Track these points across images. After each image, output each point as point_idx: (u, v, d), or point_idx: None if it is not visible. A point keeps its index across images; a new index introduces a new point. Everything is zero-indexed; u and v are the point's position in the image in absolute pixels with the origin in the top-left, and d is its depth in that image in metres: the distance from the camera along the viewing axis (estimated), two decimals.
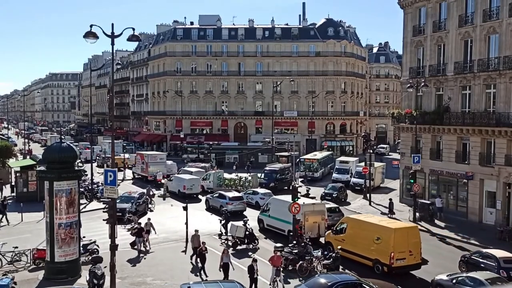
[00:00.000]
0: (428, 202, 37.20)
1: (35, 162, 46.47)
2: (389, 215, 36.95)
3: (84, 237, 25.65)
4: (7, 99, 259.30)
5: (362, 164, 48.62)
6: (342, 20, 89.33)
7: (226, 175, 50.15)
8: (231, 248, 27.76)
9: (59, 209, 22.22)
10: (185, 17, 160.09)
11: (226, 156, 68.79)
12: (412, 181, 36.31)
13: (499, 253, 23.72)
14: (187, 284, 18.55)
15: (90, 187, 43.39)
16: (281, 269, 21.97)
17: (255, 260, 21.59)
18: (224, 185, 46.64)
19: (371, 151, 47.83)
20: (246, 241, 28.46)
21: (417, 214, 35.73)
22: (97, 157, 67.80)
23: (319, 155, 60.55)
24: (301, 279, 22.53)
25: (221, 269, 22.10)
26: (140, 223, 28.15)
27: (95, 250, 25.38)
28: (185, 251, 27.80)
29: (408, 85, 37.79)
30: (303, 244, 25.45)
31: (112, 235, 19.93)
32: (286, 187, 47.01)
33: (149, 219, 29.51)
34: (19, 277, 21.96)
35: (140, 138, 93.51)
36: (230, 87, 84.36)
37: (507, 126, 32.37)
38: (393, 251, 23.26)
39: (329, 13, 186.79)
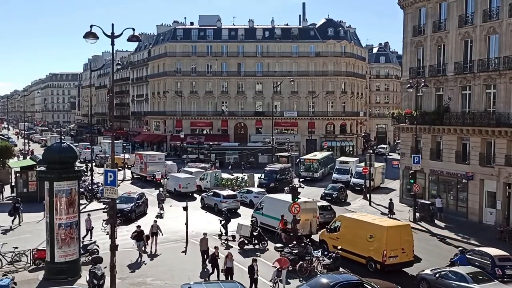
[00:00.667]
0: (428, 202, 37.20)
1: (35, 163, 46.49)
2: (389, 215, 36.98)
3: (84, 237, 25.68)
4: (7, 100, 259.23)
5: (362, 164, 48.62)
6: (342, 20, 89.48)
7: (224, 175, 50.46)
8: (238, 248, 27.90)
9: (59, 209, 22.22)
10: (185, 18, 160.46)
11: (226, 156, 68.81)
12: (412, 181, 36.34)
13: (494, 251, 23.92)
14: (188, 284, 18.55)
15: (90, 187, 43.39)
16: (286, 270, 21.67)
17: (255, 260, 21.57)
18: (221, 185, 46.81)
19: (371, 151, 47.85)
20: (254, 241, 28.52)
21: (417, 214, 35.75)
22: (96, 157, 67.87)
23: (319, 155, 60.56)
24: (301, 279, 22.54)
25: (224, 274, 21.72)
26: (139, 226, 27.18)
27: (95, 251, 25.39)
28: (185, 251, 27.81)
29: (408, 85, 37.79)
30: (303, 244, 25.47)
31: (112, 236, 19.94)
32: (286, 187, 46.96)
33: (155, 221, 28.99)
34: (19, 277, 21.96)
35: (140, 138, 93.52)
36: (230, 87, 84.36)
37: (507, 126, 32.37)
38: (386, 248, 23.63)
39: (329, 13, 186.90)
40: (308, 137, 78.20)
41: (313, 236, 30.35)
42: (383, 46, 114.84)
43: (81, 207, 28.38)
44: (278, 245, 26.89)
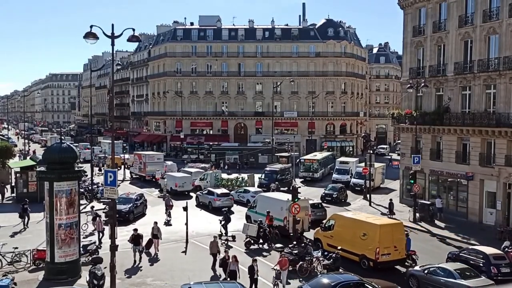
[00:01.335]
0: (428, 202, 37.20)
1: (35, 163, 46.49)
2: (389, 216, 37.01)
3: (84, 237, 25.68)
4: (7, 100, 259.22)
5: (362, 164, 48.62)
6: (342, 20, 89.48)
7: (224, 175, 50.58)
8: (244, 248, 27.97)
9: (59, 209, 22.23)
10: (185, 18, 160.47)
11: (226, 156, 68.81)
12: (412, 181, 36.33)
13: (489, 250, 24.16)
14: (188, 285, 18.56)
15: (90, 187, 43.40)
16: (286, 271, 21.64)
17: (255, 260, 21.56)
18: (221, 185, 46.90)
19: (371, 151, 47.85)
20: (259, 240, 28.68)
21: (417, 214, 35.75)
22: (95, 157, 68.01)
23: (319, 155, 60.56)
24: (301, 279, 22.54)
25: (228, 277, 21.46)
26: (136, 230, 26.39)
27: (95, 251, 25.38)
28: (185, 252, 27.81)
29: (408, 85, 37.80)
30: (303, 244, 25.49)
31: (112, 236, 19.95)
32: (286, 188, 47.02)
33: (155, 223, 27.90)
34: (19, 277, 21.98)
35: (140, 138, 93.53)
36: (230, 87, 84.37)
37: (507, 126, 32.37)
38: (379, 246, 24.01)
39: (329, 13, 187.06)
40: (308, 137, 78.20)
41: (306, 234, 30.58)
42: (383, 47, 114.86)
43: (81, 207, 28.38)
44: (278, 245, 26.91)
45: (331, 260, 23.41)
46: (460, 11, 36.64)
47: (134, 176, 57.12)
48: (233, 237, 30.07)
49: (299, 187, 46.38)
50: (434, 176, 39.52)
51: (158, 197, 45.87)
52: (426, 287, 21.62)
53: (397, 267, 25.03)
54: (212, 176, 48.69)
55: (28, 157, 61.70)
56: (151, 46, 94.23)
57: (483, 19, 34.69)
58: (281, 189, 44.86)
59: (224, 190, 41.97)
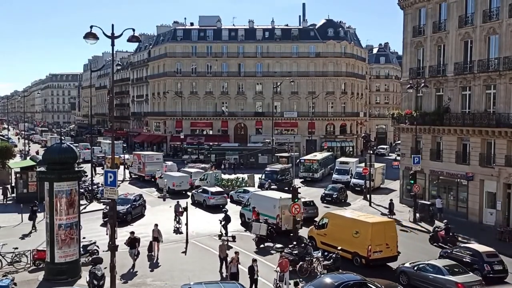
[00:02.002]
0: (428, 203, 37.20)
1: (35, 163, 46.49)
2: (390, 216, 37.04)
3: (84, 238, 25.65)
4: (7, 100, 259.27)
5: (362, 165, 48.61)
6: (342, 20, 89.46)
7: (224, 176, 50.62)
8: (255, 247, 28.23)
9: (59, 210, 22.22)
10: (185, 18, 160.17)
11: (226, 157, 68.79)
12: (412, 181, 36.35)
13: (481, 248, 24.66)
14: (188, 285, 18.58)
15: (90, 188, 43.39)
16: (287, 273, 21.51)
17: (255, 261, 21.54)
18: (221, 186, 46.97)
19: (371, 151, 47.83)
20: (267, 239, 29.15)
21: (417, 215, 35.75)
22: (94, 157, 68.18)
23: (319, 155, 60.56)
24: (301, 279, 22.52)
25: (229, 279, 21.32)
26: (133, 232, 25.73)
27: (95, 251, 25.38)
28: (185, 252, 27.81)
29: (408, 85, 37.81)
30: (303, 245, 25.49)
31: (112, 236, 19.96)
32: (286, 188, 47.01)
33: (156, 225, 27.28)
34: (19, 278, 21.99)
35: (140, 139, 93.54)
36: (230, 87, 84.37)
37: (507, 126, 32.37)
38: (371, 244, 24.47)
39: (329, 13, 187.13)
40: (308, 138, 78.19)
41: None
42: (383, 47, 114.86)
43: (81, 207, 28.37)
44: (278, 245, 26.92)
45: (331, 260, 23.40)
46: (460, 11, 36.64)
47: (133, 176, 57.35)
48: (233, 237, 30.09)
49: (299, 187, 46.46)
50: (434, 177, 39.52)
51: (158, 197, 45.91)
52: (416, 283, 22.10)
53: (389, 264, 25.35)
54: (212, 177, 48.77)
55: (28, 157, 61.75)
56: (151, 47, 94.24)
57: (483, 19, 34.69)
58: (284, 188, 45.01)
59: (218, 189, 42.83)
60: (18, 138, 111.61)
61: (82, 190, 38.11)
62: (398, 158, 69.05)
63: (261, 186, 48.00)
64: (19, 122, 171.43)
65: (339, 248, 24.67)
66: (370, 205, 42.09)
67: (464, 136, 36.48)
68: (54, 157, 22.98)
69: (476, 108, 35.34)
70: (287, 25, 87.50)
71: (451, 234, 29.59)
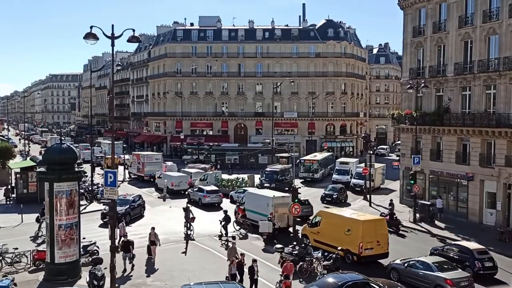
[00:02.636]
0: (428, 203, 37.19)
1: (35, 163, 46.50)
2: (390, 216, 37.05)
3: (84, 238, 25.62)
4: (7, 100, 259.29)
5: (362, 165, 48.61)
6: (342, 21, 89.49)
7: (224, 176, 50.69)
8: (263, 245, 28.73)
9: (59, 210, 22.21)
10: (185, 18, 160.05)
11: (226, 157, 68.79)
12: (412, 182, 36.34)
13: (472, 245, 25.41)
14: (188, 285, 18.59)
15: (90, 188, 43.39)
16: (292, 276, 21.44)
17: (255, 261, 21.53)
18: (221, 186, 47.03)
19: (371, 152, 47.82)
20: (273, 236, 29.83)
21: (417, 215, 35.74)
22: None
23: (319, 156, 60.55)
24: (301, 280, 22.53)
25: (229, 279, 21.26)
26: (126, 235, 25.07)
27: (95, 251, 25.36)
28: (185, 252, 27.80)
29: (408, 86, 37.80)
30: (303, 245, 25.50)
31: (112, 236, 19.96)
32: (286, 188, 47.01)
33: (153, 228, 26.41)
34: (19, 278, 21.98)
35: (140, 139, 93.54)
36: (230, 88, 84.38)
37: (507, 127, 32.36)
38: (362, 241, 24.96)
39: (329, 14, 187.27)
40: (308, 138, 78.21)
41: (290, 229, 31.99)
42: (383, 47, 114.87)
43: (81, 208, 28.35)
44: (278, 245, 26.89)
45: (331, 260, 23.41)
46: (460, 12, 36.64)
47: (132, 176, 57.52)
48: (233, 237, 30.06)
49: (299, 187, 46.53)
50: (434, 177, 39.51)
51: (158, 197, 45.94)
52: (406, 280, 22.46)
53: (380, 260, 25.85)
54: (212, 177, 48.86)
55: (28, 158, 61.77)
56: (151, 47, 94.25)
57: (483, 20, 34.69)
58: (285, 189, 45.20)
59: (214, 188, 43.65)
60: (19, 139, 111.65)
61: (82, 191, 38.07)
62: (398, 158, 69.35)
63: (261, 186, 48.00)
64: (19, 123, 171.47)
65: (339, 248, 24.69)
66: (370, 205, 42.09)
67: (464, 136, 36.47)
68: (54, 157, 22.98)
69: (476, 108, 35.34)
70: (287, 26, 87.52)
71: (394, 218, 33.22)
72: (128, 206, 35.27)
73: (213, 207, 40.17)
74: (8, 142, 63.80)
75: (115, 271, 19.78)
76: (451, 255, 24.60)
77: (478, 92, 35.25)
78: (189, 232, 30.84)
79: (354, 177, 50.67)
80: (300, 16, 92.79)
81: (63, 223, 22.26)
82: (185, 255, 27.34)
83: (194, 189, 43.93)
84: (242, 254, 22.58)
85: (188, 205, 32.77)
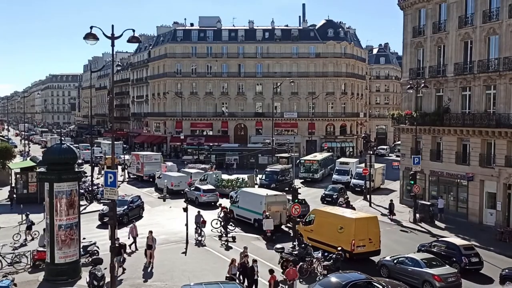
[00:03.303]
0: (429, 203, 37.19)
1: (35, 164, 46.47)
2: (390, 216, 37.09)
3: (84, 238, 25.62)
4: (7, 101, 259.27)
5: (362, 165, 48.61)
6: (342, 21, 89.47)
7: (224, 176, 50.67)
8: (264, 244, 28.98)
9: (59, 210, 22.21)
10: (185, 19, 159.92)
11: (226, 157, 68.78)
12: (412, 182, 36.34)
13: (459, 241, 26.28)
14: (188, 285, 18.61)
15: (90, 188, 43.38)
16: (296, 281, 21.25)
17: (255, 261, 21.53)
18: (221, 186, 47.04)
19: (371, 152, 47.81)
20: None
21: (417, 215, 35.73)
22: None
23: (319, 156, 60.54)
24: (301, 280, 22.51)
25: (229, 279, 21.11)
26: (118, 239, 23.96)
27: (95, 252, 25.36)
28: (185, 253, 27.79)
29: (408, 86, 37.80)
30: (303, 245, 25.49)
31: (112, 237, 19.95)
32: (286, 188, 47.03)
33: (150, 232, 25.99)
34: (19, 278, 21.96)
35: (140, 139, 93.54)
36: (230, 88, 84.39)
37: (507, 127, 32.36)
38: (354, 239, 25.39)
39: (329, 14, 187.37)
40: (308, 138, 78.20)
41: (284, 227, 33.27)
42: (383, 47, 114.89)
43: (81, 208, 28.33)
44: (278, 245, 26.89)
45: (331, 261, 23.41)
46: (460, 12, 36.64)
47: (131, 177, 57.59)
48: (233, 238, 30.10)
49: (299, 187, 46.58)
50: (434, 177, 39.50)
51: (158, 197, 45.94)
52: (396, 276, 22.88)
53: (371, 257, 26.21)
54: (213, 177, 48.85)
55: (28, 158, 61.73)
56: (151, 47, 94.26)
57: (483, 20, 34.69)
58: (285, 189, 45.46)
59: (210, 187, 44.10)
60: (20, 140, 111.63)
61: (82, 191, 38.02)
62: (389, 157, 69.43)
63: (261, 187, 47.96)
64: (19, 123, 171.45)
65: (339, 248, 24.69)
66: (370, 205, 42.08)
67: (464, 136, 36.47)
68: (54, 157, 23.00)
69: (476, 109, 35.34)
70: (287, 26, 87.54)
71: (350, 206, 35.64)
72: (126, 207, 34.88)
73: (210, 206, 40.53)
74: (8, 143, 63.76)
75: (115, 272, 19.77)
76: (438, 251, 25.31)
77: (478, 92, 35.25)
78: (200, 238, 29.87)
79: (354, 178, 50.67)
80: (300, 16, 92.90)
81: (63, 224, 22.26)
82: (185, 255, 27.32)
83: (191, 188, 44.35)
84: (246, 256, 22.11)
85: (199, 210, 32.80)
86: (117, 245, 23.26)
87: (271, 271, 20.42)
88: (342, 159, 60.18)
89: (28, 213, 31.78)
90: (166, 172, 50.90)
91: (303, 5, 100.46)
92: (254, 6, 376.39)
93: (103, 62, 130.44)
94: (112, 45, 19.65)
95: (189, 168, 55.84)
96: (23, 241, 29.11)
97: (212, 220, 33.12)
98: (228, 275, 21.39)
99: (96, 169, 57.37)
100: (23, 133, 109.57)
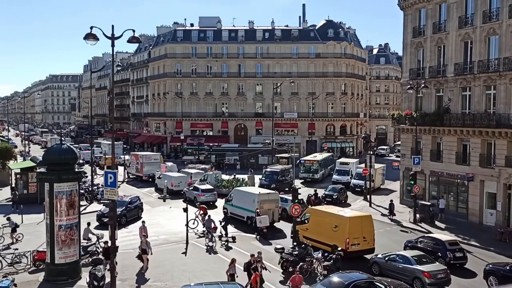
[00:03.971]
0: (429, 203, 37.19)
1: (35, 164, 46.47)
2: (390, 216, 37.08)
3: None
4: (7, 101, 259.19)
5: (362, 165, 48.60)
6: (342, 21, 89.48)
7: (224, 176, 50.71)
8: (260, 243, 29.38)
9: (59, 211, 22.21)
10: (185, 19, 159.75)
11: (226, 158, 68.79)
12: (412, 182, 36.33)
13: (444, 237, 27.07)
14: (188, 285, 18.62)
15: (90, 188, 43.38)
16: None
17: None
18: (221, 186, 47.06)
19: (371, 152, 47.81)
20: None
21: (417, 215, 35.73)
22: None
23: (319, 156, 60.53)
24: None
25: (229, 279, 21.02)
26: (106, 242, 23.26)
27: (96, 252, 25.35)
28: (185, 253, 27.79)
29: (408, 86, 37.80)
30: (303, 245, 25.48)
31: (113, 237, 19.94)
32: (286, 189, 47.04)
33: (145, 236, 25.55)
34: (19, 279, 21.95)
35: (140, 139, 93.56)
36: (230, 88, 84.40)
37: (507, 127, 32.36)
38: (348, 237, 25.72)
39: (329, 14, 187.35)
40: (308, 138, 78.19)
41: (276, 225, 33.86)
42: (383, 47, 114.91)
43: (81, 208, 28.32)
44: (278, 246, 26.89)
45: (331, 261, 23.39)
46: (460, 12, 36.64)
47: (131, 177, 57.66)
48: (233, 238, 30.09)
49: (299, 188, 46.59)
50: (434, 177, 39.51)
51: (158, 198, 45.94)
52: (387, 273, 23.27)
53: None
54: (213, 177, 48.90)
55: (28, 158, 61.72)
56: (151, 47, 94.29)
57: (483, 20, 34.69)
58: (285, 189, 45.79)
59: (209, 186, 44.42)
60: (21, 140, 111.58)
61: (82, 191, 37.99)
62: (389, 157, 69.45)
63: (261, 187, 47.93)
64: (19, 123, 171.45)
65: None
66: (370, 205, 42.08)
67: (464, 136, 36.47)
68: (54, 158, 23.00)
69: (476, 109, 35.34)
70: (287, 26, 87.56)
71: (319, 198, 37.97)
72: (124, 207, 34.48)
73: (208, 205, 39.70)
74: (8, 143, 63.77)
75: (116, 272, 19.76)
76: (424, 246, 25.99)
77: (478, 92, 35.25)
78: (211, 244, 28.76)
79: (354, 178, 50.66)
80: (300, 17, 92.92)
81: (63, 224, 22.26)
82: (185, 255, 27.32)
83: (190, 188, 44.53)
84: (252, 255, 21.97)
85: (209, 214, 31.97)
86: (105, 247, 22.79)
87: (256, 269, 20.64)
88: (342, 160, 60.18)
89: (9, 216, 30.95)
90: (166, 173, 50.94)
91: (303, 5, 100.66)
92: (254, 6, 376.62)
93: (103, 62, 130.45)
94: (112, 45, 19.66)
95: (189, 168, 55.90)
96: (7, 244, 27.90)
97: (189, 220, 30.81)
98: (229, 273, 21.27)
99: (97, 169, 57.56)
100: (23, 133, 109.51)
